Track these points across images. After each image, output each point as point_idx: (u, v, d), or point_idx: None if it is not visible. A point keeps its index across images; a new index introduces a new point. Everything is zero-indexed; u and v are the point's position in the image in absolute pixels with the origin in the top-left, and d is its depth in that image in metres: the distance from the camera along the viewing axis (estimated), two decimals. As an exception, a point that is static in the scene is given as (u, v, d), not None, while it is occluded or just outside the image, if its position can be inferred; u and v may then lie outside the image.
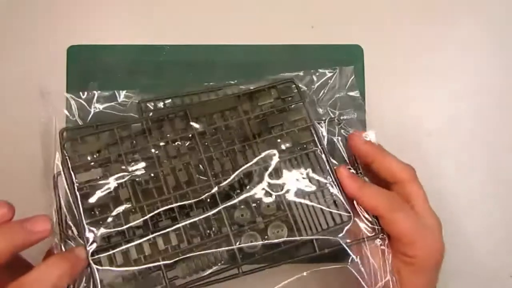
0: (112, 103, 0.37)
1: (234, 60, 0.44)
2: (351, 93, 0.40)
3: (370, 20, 0.46)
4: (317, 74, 0.40)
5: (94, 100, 0.37)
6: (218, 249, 0.33)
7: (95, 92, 0.37)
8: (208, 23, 0.45)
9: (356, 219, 0.35)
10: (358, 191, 0.34)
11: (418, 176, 0.36)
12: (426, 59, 0.46)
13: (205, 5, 0.46)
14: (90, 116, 0.37)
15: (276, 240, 0.34)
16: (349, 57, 0.45)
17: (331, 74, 0.40)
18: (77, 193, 0.33)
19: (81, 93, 0.37)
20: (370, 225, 0.35)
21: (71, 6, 0.45)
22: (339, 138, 0.38)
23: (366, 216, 0.35)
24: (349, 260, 0.35)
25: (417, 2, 0.47)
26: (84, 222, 0.32)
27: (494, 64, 0.46)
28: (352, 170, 0.36)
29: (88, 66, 0.43)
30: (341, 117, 0.39)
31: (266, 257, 0.34)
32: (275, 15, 0.46)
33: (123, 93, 0.38)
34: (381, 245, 0.35)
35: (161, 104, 0.37)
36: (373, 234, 0.35)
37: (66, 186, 0.33)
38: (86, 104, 0.37)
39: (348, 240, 0.35)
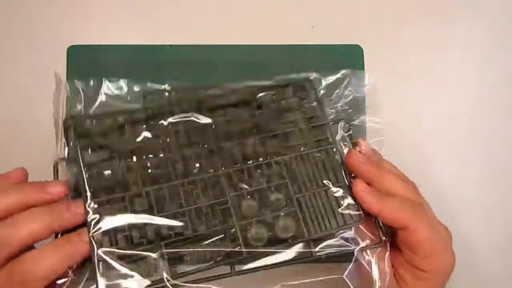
0: (117, 93, 0.36)
1: (234, 60, 0.44)
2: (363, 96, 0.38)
3: (370, 20, 0.46)
4: (330, 75, 0.39)
5: (101, 89, 0.36)
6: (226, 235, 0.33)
7: (103, 79, 0.36)
8: (208, 23, 0.45)
9: (360, 226, 0.34)
10: (377, 205, 0.33)
11: (418, 176, 0.36)
12: (426, 59, 0.46)
13: (205, 5, 0.46)
14: (96, 105, 0.36)
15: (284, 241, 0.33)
16: (349, 57, 0.45)
17: (343, 76, 0.39)
18: (84, 173, 0.32)
19: (91, 81, 0.36)
20: (374, 233, 0.34)
21: (71, 6, 0.45)
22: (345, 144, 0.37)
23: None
24: (348, 268, 0.34)
25: (417, 2, 0.47)
26: (88, 204, 0.32)
27: (494, 64, 0.46)
28: None
29: (88, 66, 0.43)
30: (351, 122, 0.38)
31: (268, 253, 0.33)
32: (275, 15, 0.46)
33: (128, 83, 0.37)
34: (380, 252, 0.34)
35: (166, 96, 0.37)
36: (377, 242, 0.34)
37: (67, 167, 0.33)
38: (92, 93, 0.36)
39: (350, 245, 0.34)
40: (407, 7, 0.47)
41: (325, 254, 0.34)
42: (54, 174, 0.34)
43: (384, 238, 0.34)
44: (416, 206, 0.34)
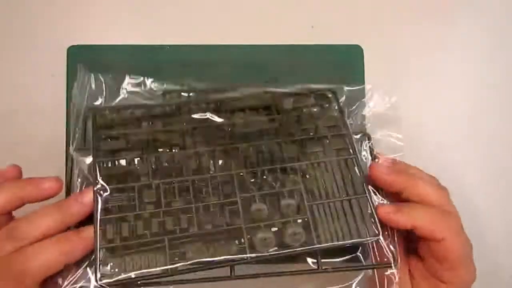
0: (138, 90, 0.37)
1: (234, 60, 0.44)
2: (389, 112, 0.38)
3: (370, 20, 0.46)
4: (353, 88, 0.38)
5: (124, 84, 0.37)
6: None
7: (127, 76, 0.37)
8: (208, 23, 0.45)
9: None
10: (409, 222, 0.32)
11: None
12: (426, 59, 0.46)
13: (205, 5, 0.46)
14: (118, 99, 0.37)
15: (297, 250, 0.32)
16: (349, 57, 0.45)
17: (366, 90, 0.38)
18: (96, 160, 0.33)
19: (110, 75, 0.37)
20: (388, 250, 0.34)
21: (71, 5, 0.45)
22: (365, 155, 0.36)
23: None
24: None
25: (417, 2, 0.47)
26: (97, 190, 0.32)
27: (494, 64, 0.46)
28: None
29: (88, 66, 0.43)
30: (371, 136, 0.37)
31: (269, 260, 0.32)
32: (275, 15, 0.46)
33: (150, 81, 0.38)
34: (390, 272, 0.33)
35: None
36: (388, 262, 0.33)
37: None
38: (115, 87, 0.37)
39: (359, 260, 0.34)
40: (407, 7, 0.47)
41: (332, 269, 0.33)
42: (69, 163, 0.34)
43: (397, 259, 0.33)
44: (448, 215, 0.33)
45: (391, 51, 0.46)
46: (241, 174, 0.34)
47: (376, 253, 0.34)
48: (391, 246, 0.33)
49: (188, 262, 0.31)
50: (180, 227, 0.32)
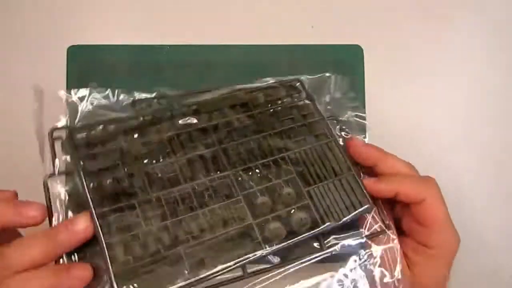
0: (105, 102, 0.36)
1: (234, 60, 0.44)
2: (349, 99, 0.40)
3: (370, 20, 0.46)
4: (317, 76, 0.40)
5: (86, 98, 0.36)
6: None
7: (87, 90, 0.36)
8: (208, 23, 0.45)
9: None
10: (394, 187, 0.34)
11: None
12: (426, 59, 0.46)
13: (205, 5, 0.46)
14: (79, 114, 0.35)
15: (305, 235, 0.33)
16: (349, 57, 0.45)
17: (325, 77, 0.40)
18: (85, 181, 0.31)
19: (73, 91, 0.35)
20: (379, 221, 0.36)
21: (71, 5, 0.45)
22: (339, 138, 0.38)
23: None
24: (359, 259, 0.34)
25: (417, 2, 0.47)
26: (96, 214, 0.30)
27: (494, 64, 0.46)
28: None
29: (88, 66, 0.43)
30: (339, 118, 0.39)
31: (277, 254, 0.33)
32: (275, 15, 0.46)
33: (116, 92, 0.37)
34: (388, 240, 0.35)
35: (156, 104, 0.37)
36: (383, 230, 0.35)
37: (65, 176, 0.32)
38: (78, 102, 0.35)
39: (364, 234, 0.35)
40: (407, 7, 0.47)
41: (339, 247, 0.34)
42: (45, 192, 0.32)
43: (389, 224, 0.35)
44: (427, 179, 0.35)
45: (391, 51, 0.46)
46: (237, 172, 0.34)
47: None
48: (381, 215, 0.36)
49: (213, 270, 0.30)
50: (192, 235, 0.31)
